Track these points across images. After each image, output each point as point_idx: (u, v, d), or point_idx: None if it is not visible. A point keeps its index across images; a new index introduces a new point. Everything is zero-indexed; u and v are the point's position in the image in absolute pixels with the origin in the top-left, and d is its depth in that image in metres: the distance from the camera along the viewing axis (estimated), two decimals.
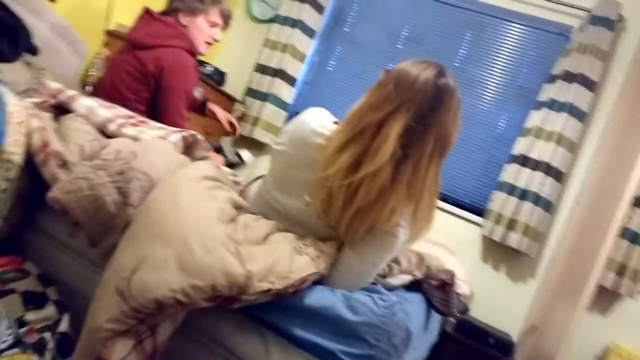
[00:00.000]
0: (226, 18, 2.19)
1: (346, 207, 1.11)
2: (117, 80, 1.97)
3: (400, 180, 1.09)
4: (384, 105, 1.11)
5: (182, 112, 2.04)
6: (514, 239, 2.71)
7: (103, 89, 2.03)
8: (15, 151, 1.18)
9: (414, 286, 1.28)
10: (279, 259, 1.05)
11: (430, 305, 1.31)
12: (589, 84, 2.76)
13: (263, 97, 3.37)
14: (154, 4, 2.15)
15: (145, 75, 1.93)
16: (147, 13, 2.05)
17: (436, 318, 1.51)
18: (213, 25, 2.14)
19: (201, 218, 1.01)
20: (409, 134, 1.09)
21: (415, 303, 1.21)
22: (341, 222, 1.14)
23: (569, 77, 2.79)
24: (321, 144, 1.17)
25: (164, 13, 2.09)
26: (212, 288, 0.92)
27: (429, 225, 1.17)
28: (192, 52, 2.05)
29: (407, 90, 1.11)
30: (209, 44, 2.16)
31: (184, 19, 2.07)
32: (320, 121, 1.21)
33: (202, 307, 0.94)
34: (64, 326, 1.08)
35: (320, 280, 1.13)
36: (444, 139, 1.13)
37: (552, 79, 2.90)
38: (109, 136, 1.39)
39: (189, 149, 1.51)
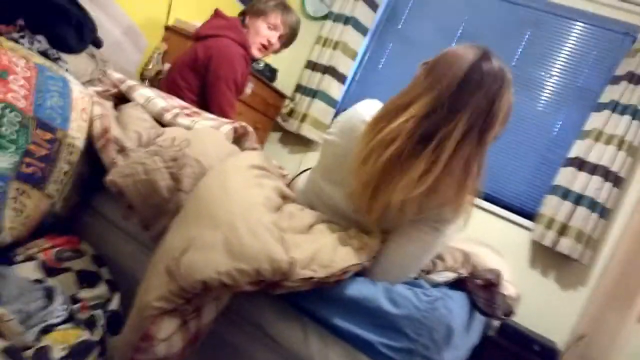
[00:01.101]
0: (290, 28, 2.23)
1: (364, 187, 1.10)
2: (175, 71, 2.10)
3: (419, 157, 1.05)
4: (410, 91, 1.10)
5: (231, 100, 2.09)
6: (566, 245, 2.61)
7: (164, 82, 2.14)
8: (78, 136, 1.25)
9: (458, 284, 1.26)
10: (322, 248, 1.06)
11: (473, 305, 1.29)
12: None
13: (312, 93, 3.40)
14: (213, 2, 2.24)
15: (196, 63, 2.02)
16: (215, 12, 2.19)
17: (479, 320, 1.48)
18: (272, 28, 2.18)
19: (248, 204, 1.04)
20: (433, 116, 1.05)
21: (458, 301, 1.19)
22: (362, 203, 1.13)
23: (634, 78, 2.66)
24: None
25: (238, 15, 2.24)
26: (256, 272, 0.94)
27: (468, 207, 1.11)
28: (244, 45, 2.11)
29: (436, 74, 1.08)
30: (264, 46, 2.20)
31: (248, 21, 2.18)
32: (372, 112, 1.18)
33: (245, 290, 0.97)
34: (114, 304, 1.13)
35: (362, 273, 1.14)
36: (484, 120, 1.06)
37: (615, 80, 2.77)
38: (164, 125, 1.45)
39: (239, 139, 1.56)
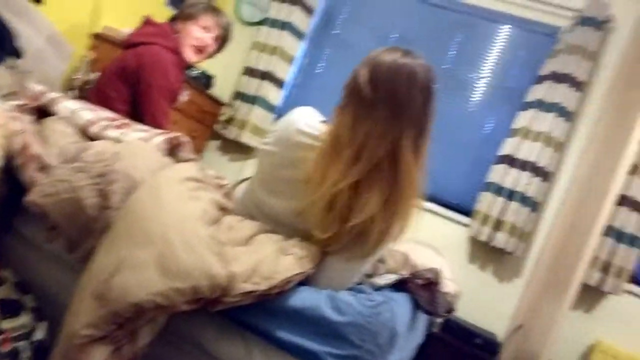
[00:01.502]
0: (223, 29, 2.21)
1: (345, 230, 1.11)
2: (102, 81, 2.02)
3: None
4: (388, 133, 1.09)
5: (165, 110, 2.03)
6: (501, 239, 2.72)
7: (92, 92, 2.05)
8: None
9: (400, 286, 1.28)
10: (264, 260, 1.04)
11: (416, 305, 1.31)
12: (577, 85, 2.78)
13: (251, 100, 3.36)
14: (142, 8, 2.16)
15: (126, 72, 1.95)
16: (146, 20, 2.14)
17: (423, 318, 1.51)
18: (205, 30, 2.14)
19: (183, 218, 1.00)
20: (418, 146, 1.15)
21: (401, 303, 1.21)
22: (337, 236, 1.13)
23: (557, 77, 2.80)
24: (309, 144, 1.15)
25: (169, 21, 2.18)
26: (193, 290, 0.91)
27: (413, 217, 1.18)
28: (176, 51, 2.06)
29: (402, 106, 1.10)
30: (198, 49, 2.15)
31: (178, 26, 2.13)
32: (307, 120, 1.20)
33: (183, 310, 0.93)
34: (40, 334, 1.06)
35: (305, 281, 1.13)
36: (427, 138, 1.19)
37: (540, 79, 2.92)
38: (91, 138, 1.38)
39: (173, 151, 1.50)
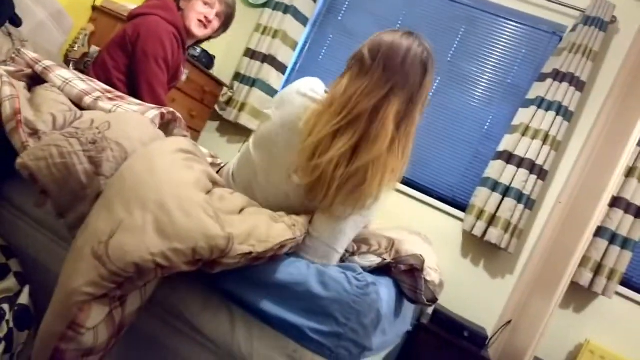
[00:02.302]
0: (226, 5, 2.21)
1: (339, 190, 1.14)
2: (104, 52, 2.02)
3: (393, 155, 1.16)
4: (377, 90, 1.15)
5: (161, 79, 2.02)
6: (494, 235, 2.72)
7: (93, 65, 2.05)
8: None
9: (382, 270, 1.27)
10: (257, 225, 1.04)
11: (401, 292, 1.31)
12: (578, 84, 2.77)
13: (251, 82, 3.34)
14: None
15: (124, 40, 1.96)
16: None
17: (410, 308, 1.51)
18: (207, 4, 2.15)
19: (178, 183, 0.99)
20: (403, 114, 1.17)
21: (387, 287, 1.20)
22: (326, 199, 1.16)
23: (559, 76, 2.80)
24: (308, 106, 1.20)
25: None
26: (192, 251, 0.90)
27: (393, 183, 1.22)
28: (175, 24, 2.05)
29: (398, 72, 1.16)
30: (202, 23, 2.15)
31: (182, 3, 2.14)
32: (311, 86, 1.26)
33: (183, 271, 0.92)
34: (23, 298, 1.05)
35: (294, 251, 1.15)
36: (424, 103, 1.23)
37: (542, 77, 2.91)
38: (83, 109, 1.36)
39: (166, 126, 1.49)
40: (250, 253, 0.97)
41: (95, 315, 0.87)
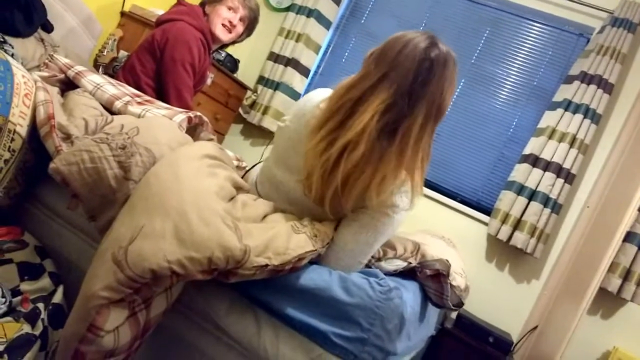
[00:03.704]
0: (250, 10, 2.24)
1: (326, 183, 1.11)
2: (133, 57, 2.07)
3: (388, 152, 1.08)
4: (363, 82, 1.11)
5: (188, 83, 2.06)
6: (520, 239, 2.68)
7: (121, 70, 2.10)
8: (20, 123, 1.18)
9: (408, 274, 1.27)
10: (277, 236, 1.04)
11: (426, 296, 1.30)
12: (606, 87, 2.71)
13: (275, 85, 3.37)
14: None
15: (152, 45, 2.01)
16: (178, 1, 2.20)
17: (435, 312, 1.50)
18: (231, 9, 2.19)
19: (200, 192, 1.01)
20: (394, 109, 1.07)
21: (412, 291, 1.20)
22: (324, 199, 1.14)
23: (587, 78, 2.74)
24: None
25: (199, 5, 2.22)
26: (208, 260, 0.92)
27: (421, 188, 1.17)
28: (202, 30, 2.09)
29: (387, 65, 1.09)
30: (226, 28, 2.19)
31: (207, 8, 2.19)
32: (325, 98, 1.21)
33: (197, 279, 0.94)
34: (57, 298, 1.09)
35: (316, 261, 1.14)
36: (437, 108, 1.11)
37: (569, 79, 2.86)
38: (114, 113, 1.39)
39: (194, 129, 1.52)
40: (267, 265, 0.98)
41: (114, 318, 0.89)
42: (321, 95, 1.22)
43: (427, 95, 1.08)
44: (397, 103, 1.07)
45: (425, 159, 1.13)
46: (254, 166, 1.53)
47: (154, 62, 2.01)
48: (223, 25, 2.17)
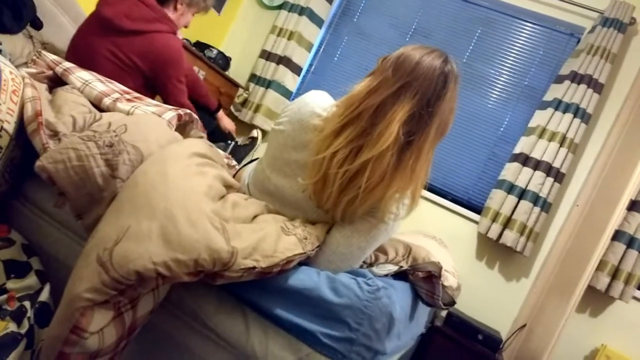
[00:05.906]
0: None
1: (344, 193, 1.11)
2: (95, 67, 1.77)
3: (404, 166, 1.09)
4: (382, 89, 1.10)
5: (184, 91, 2.08)
6: (510, 238, 2.70)
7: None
8: (8, 119, 1.17)
9: (401, 276, 1.28)
10: (265, 238, 1.03)
11: (417, 295, 1.31)
12: (596, 86, 2.74)
13: (267, 83, 3.36)
14: None
15: (131, 68, 1.87)
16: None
17: (424, 310, 1.51)
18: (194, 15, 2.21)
19: (188, 192, 1.00)
20: (415, 121, 1.08)
21: (401, 291, 1.20)
22: (337, 207, 1.13)
23: (577, 78, 2.77)
24: (318, 125, 1.16)
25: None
26: (194, 262, 0.91)
27: (418, 201, 1.19)
28: (176, 31, 2.07)
29: (407, 74, 1.10)
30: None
31: (180, 7, 2.05)
32: (320, 103, 1.20)
33: (184, 281, 0.94)
34: (44, 296, 1.08)
35: (306, 262, 1.13)
36: (444, 125, 1.14)
37: (559, 79, 2.88)
38: (103, 110, 1.38)
39: (184, 127, 1.51)
40: (254, 268, 0.97)
41: (99, 320, 0.88)
42: (318, 101, 1.21)
43: (441, 110, 1.11)
44: (418, 114, 1.09)
45: (428, 173, 1.17)
46: (246, 164, 1.52)
47: (133, 82, 1.88)
48: (185, 27, 2.20)
